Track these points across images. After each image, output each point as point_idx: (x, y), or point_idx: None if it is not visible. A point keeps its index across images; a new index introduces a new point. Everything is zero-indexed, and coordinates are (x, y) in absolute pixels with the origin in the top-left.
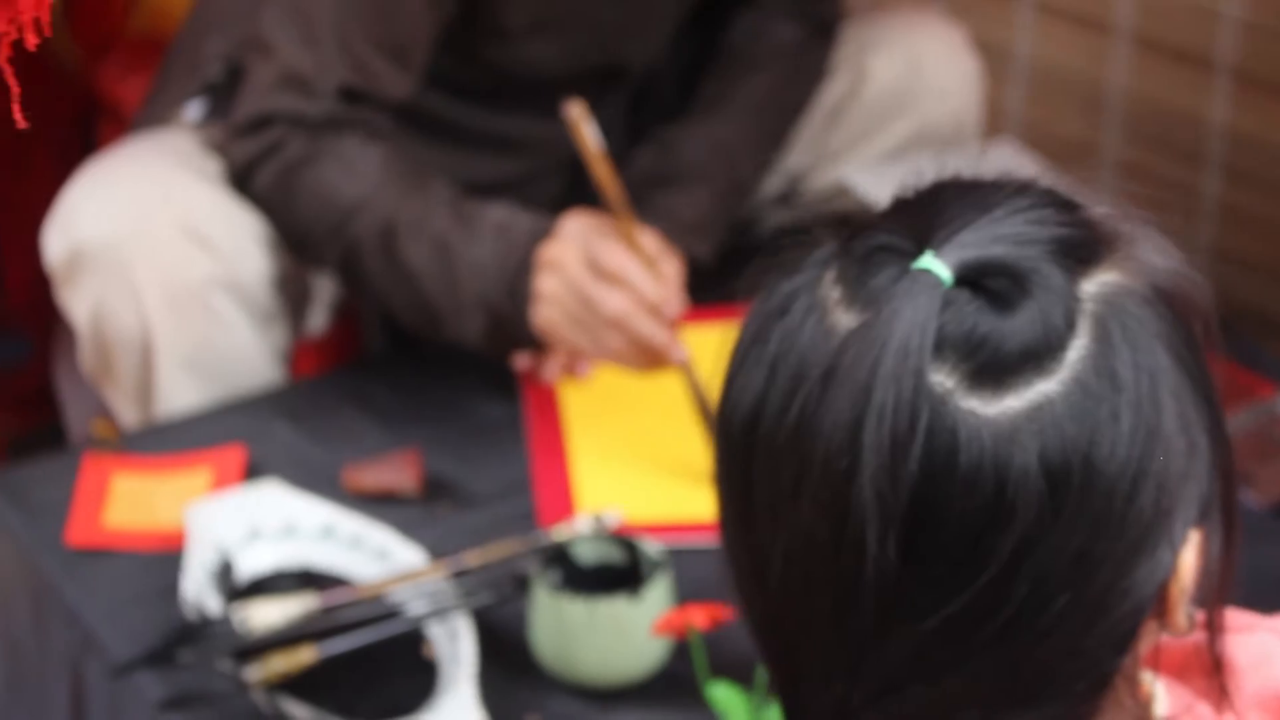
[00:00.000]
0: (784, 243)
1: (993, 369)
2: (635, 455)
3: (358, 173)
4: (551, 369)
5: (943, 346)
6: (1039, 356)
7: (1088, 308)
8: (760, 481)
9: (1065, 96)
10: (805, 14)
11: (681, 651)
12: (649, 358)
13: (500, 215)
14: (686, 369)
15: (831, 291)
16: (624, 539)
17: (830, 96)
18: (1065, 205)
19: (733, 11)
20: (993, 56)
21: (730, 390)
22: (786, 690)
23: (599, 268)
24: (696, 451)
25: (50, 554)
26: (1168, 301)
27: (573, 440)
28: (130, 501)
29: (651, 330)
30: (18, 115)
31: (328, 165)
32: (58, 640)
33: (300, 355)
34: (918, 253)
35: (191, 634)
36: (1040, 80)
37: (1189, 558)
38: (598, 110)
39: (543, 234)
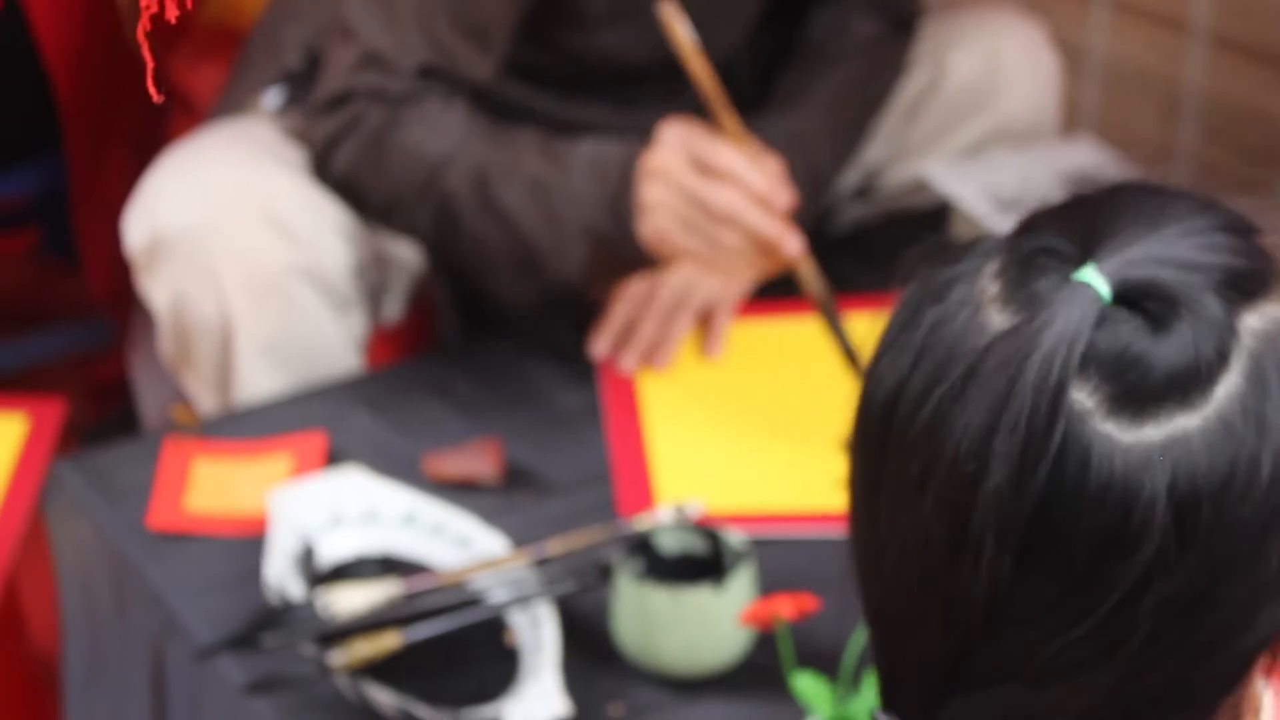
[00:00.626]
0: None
1: (1136, 394)
2: (714, 445)
3: (443, 129)
4: (629, 359)
5: (1089, 364)
6: (1185, 388)
7: (1245, 344)
8: (890, 468)
9: (1141, 95)
10: (885, 9)
11: (764, 642)
12: (763, 253)
13: (589, 147)
14: (801, 260)
15: (990, 286)
16: (707, 529)
17: (909, 91)
18: (1240, 231)
19: (813, 5)
20: (1069, 54)
21: (875, 369)
22: (885, 673)
23: (706, 166)
24: (777, 443)
25: (131, 537)
26: None
27: (651, 430)
28: (211, 486)
29: (765, 223)
30: (152, 90)
31: (413, 127)
32: (139, 624)
33: (376, 344)
34: (1082, 261)
35: (274, 618)
36: (1116, 78)
37: None
38: (676, 103)
39: (632, 154)
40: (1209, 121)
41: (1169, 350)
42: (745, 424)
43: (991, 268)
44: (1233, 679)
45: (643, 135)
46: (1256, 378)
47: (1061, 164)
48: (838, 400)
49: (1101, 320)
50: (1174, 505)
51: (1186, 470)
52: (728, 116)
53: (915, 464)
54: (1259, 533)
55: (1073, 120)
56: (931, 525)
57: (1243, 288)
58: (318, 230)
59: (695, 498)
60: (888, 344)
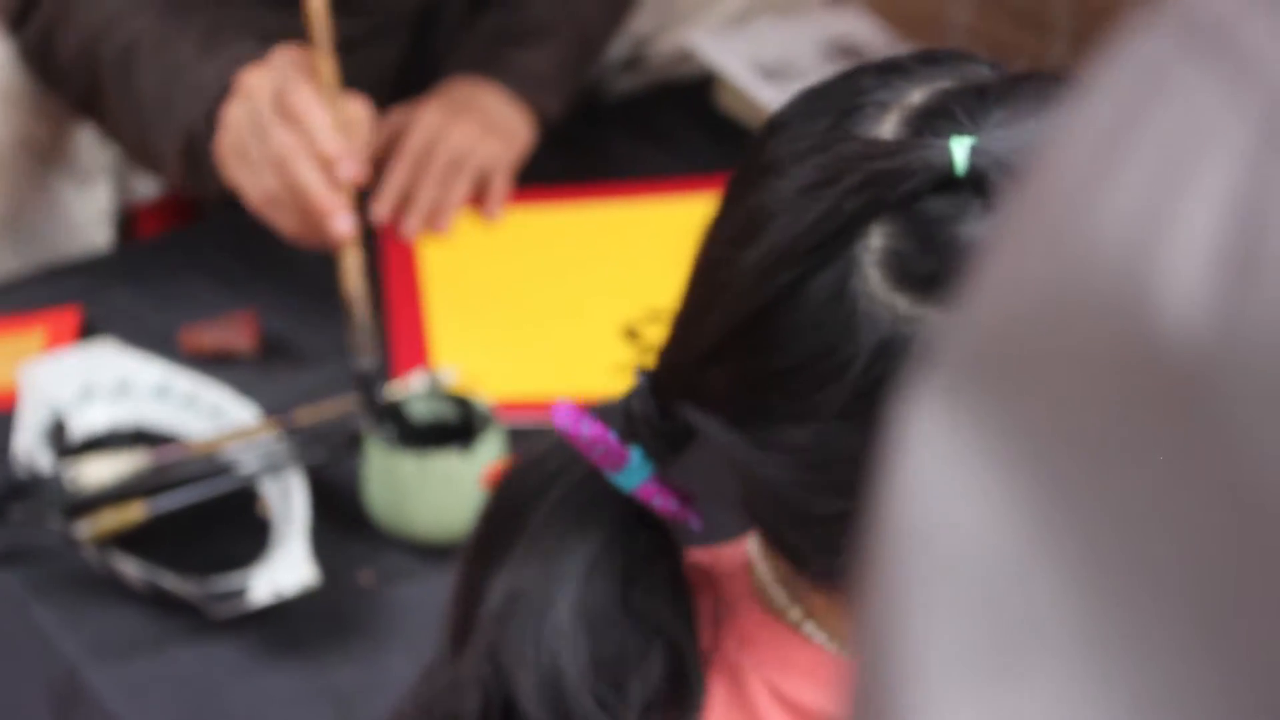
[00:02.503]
0: None
1: (912, 266)
2: (491, 320)
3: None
4: (411, 223)
5: (901, 213)
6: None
7: None
8: (736, 182)
9: None
10: None
11: None
12: (307, 217)
13: (247, 46)
14: (348, 247)
15: (909, 99)
16: (458, 397)
17: None
18: None
19: None
20: None
21: (789, 101)
22: (663, 350)
23: (282, 102)
24: (553, 325)
25: None
26: None
27: (430, 297)
28: None
29: (313, 181)
30: None
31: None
32: None
33: (140, 217)
34: (971, 132)
35: (21, 491)
36: None
37: None
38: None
39: (255, 58)
40: None
41: (966, 241)
42: (522, 303)
43: (924, 90)
44: None
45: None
46: None
47: (827, 33)
48: (614, 288)
49: (945, 187)
50: (871, 371)
51: (900, 348)
52: (325, 60)
53: (749, 180)
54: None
55: None
56: (727, 236)
57: None
58: (50, 99)
59: (467, 366)
60: (808, 88)
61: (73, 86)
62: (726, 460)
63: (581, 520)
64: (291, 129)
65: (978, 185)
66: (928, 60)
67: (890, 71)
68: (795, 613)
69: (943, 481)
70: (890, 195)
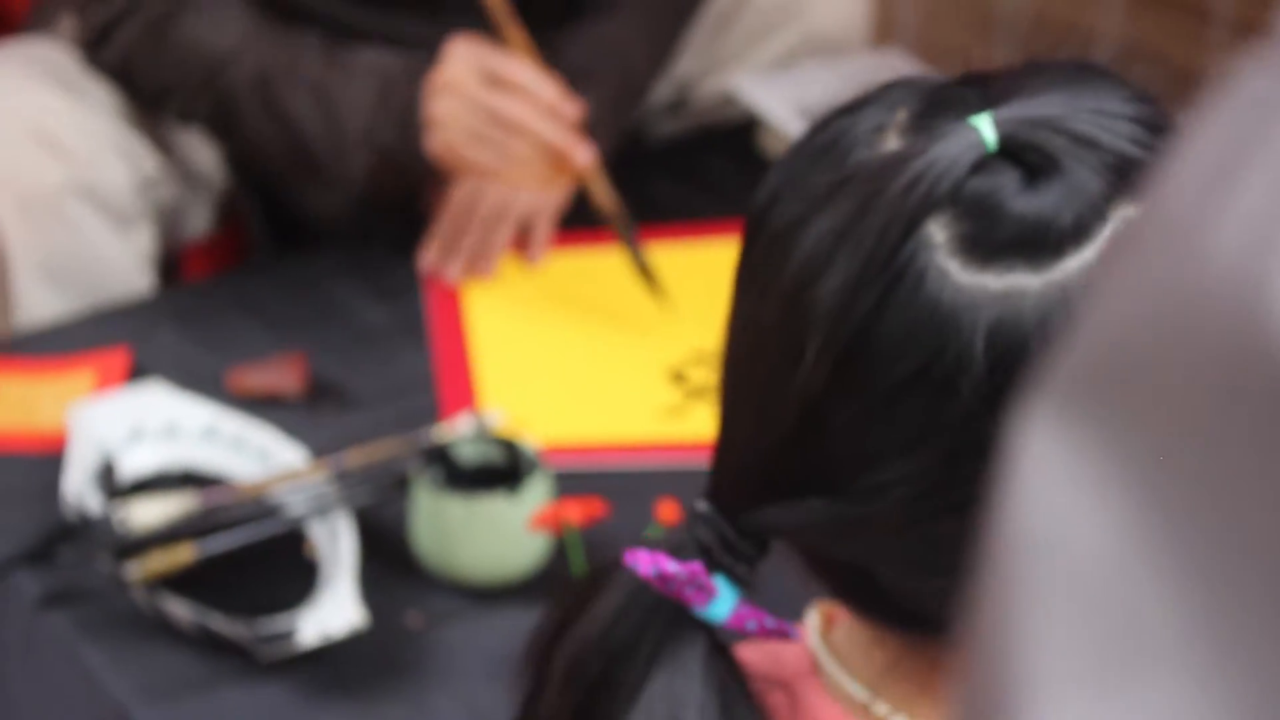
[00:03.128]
0: None
1: (986, 240)
2: (536, 364)
3: (225, 24)
4: (453, 268)
5: (954, 202)
6: (1035, 248)
7: (1113, 228)
8: (754, 253)
9: (955, 8)
10: None
11: (564, 551)
12: (554, 163)
13: (369, 57)
14: (592, 172)
15: (900, 115)
16: (504, 439)
17: (720, 2)
18: (1153, 128)
19: None
20: None
21: (774, 168)
22: (715, 465)
23: (496, 79)
24: (596, 369)
25: None
26: None
27: (476, 342)
28: (11, 403)
29: (554, 132)
30: None
31: (194, 19)
32: None
33: (187, 259)
34: (983, 109)
35: (71, 533)
36: None
37: None
38: (482, 16)
39: (418, 69)
40: (1023, 35)
41: (1030, 207)
42: (567, 346)
43: (909, 102)
44: None
45: (423, 45)
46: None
47: (870, 76)
48: (658, 331)
49: (981, 165)
50: (990, 356)
51: (1011, 325)
52: (514, 30)
53: (775, 253)
54: None
55: (887, 34)
56: (769, 318)
57: (1130, 179)
58: (92, 148)
59: (502, 409)
60: (792, 150)
61: (184, 105)
62: (814, 541)
63: (685, 670)
64: (515, 96)
65: (1009, 152)
66: (886, 88)
67: (860, 107)
68: (882, 707)
69: (1060, 494)
70: (939, 189)
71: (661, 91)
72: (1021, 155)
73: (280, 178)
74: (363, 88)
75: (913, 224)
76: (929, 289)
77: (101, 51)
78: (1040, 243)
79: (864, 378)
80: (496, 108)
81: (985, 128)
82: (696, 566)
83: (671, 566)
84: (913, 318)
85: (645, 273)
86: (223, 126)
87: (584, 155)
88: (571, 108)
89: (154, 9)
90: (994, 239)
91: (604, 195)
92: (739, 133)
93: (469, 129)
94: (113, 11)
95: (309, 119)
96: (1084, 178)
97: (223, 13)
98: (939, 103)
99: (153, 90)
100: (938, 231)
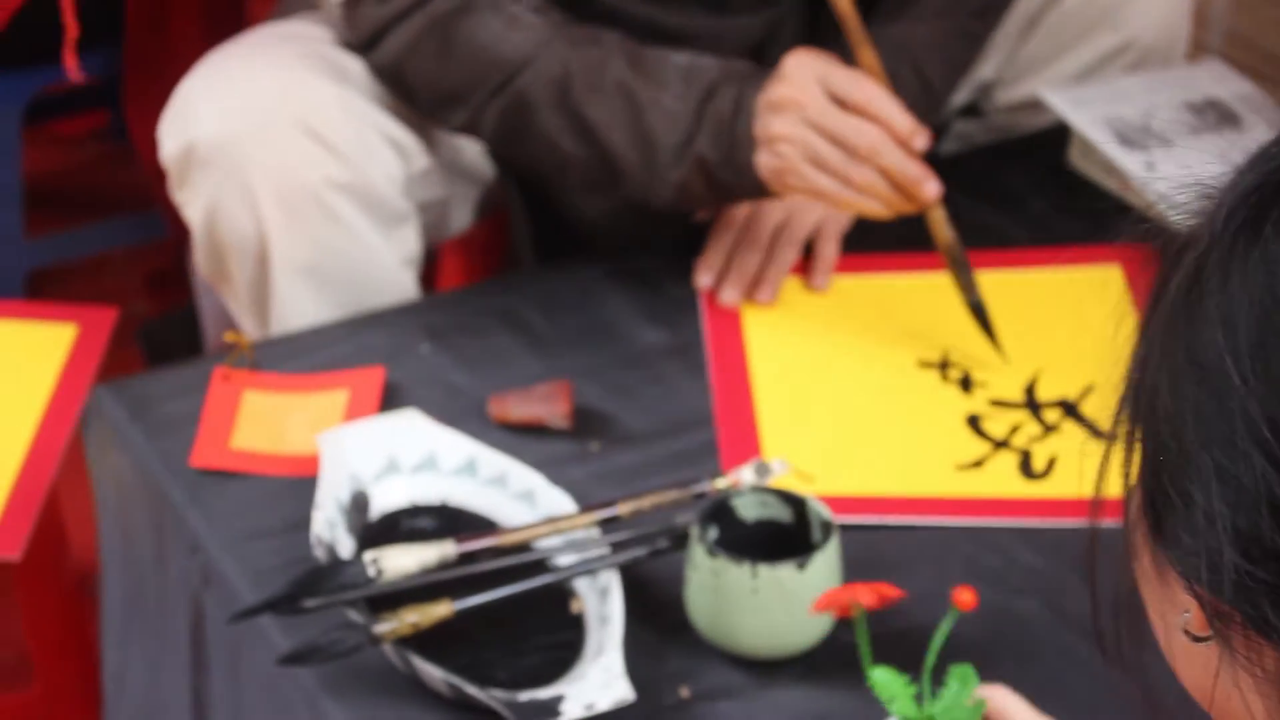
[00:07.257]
0: None
1: None
2: (823, 403)
3: (522, 25)
4: (731, 292)
5: None
6: None
7: None
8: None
9: (1272, 6)
10: None
11: (847, 621)
12: (900, 194)
13: (681, 61)
14: (934, 206)
15: None
16: (792, 495)
17: (1028, 3)
18: None
19: None
20: None
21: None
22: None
23: (845, 100)
24: (885, 413)
25: (173, 476)
26: None
27: (755, 376)
28: (260, 422)
29: (905, 163)
30: None
31: (487, 19)
32: (179, 570)
33: (445, 256)
34: None
35: (320, 578)
36: None
37: None
38: (766, 11)
39: (735, 75)
40: None
41: None
42: (853, 385)
43: None
44: None
45: (730, 45)
46: None
47: (1187, 90)
48: (955, 360)
49: None
50: None
51: None
52: (866, 50)
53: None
54: None
55: (1200, 44)
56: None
57: None
58: (362, 141)
59: (796, 454)
60: (1198, 191)
61: (470, 109)
62: None
63: None
64: (867, 122)
65: None
66: None
67: None
68: None
69: None
70: None
71: (959, 94)
72: None
73: (567, 184)
74: (672, 97)
75: None
76: None
77: (379, 47)
78: None
79: None
80: (843, 132)
81: None
82: None
83: None
84: None
85: (980, 315)
86: (513, 135)
87: (933, 189)
88: (923, 138)
89: (438, 7)
90: None
91: (942, 229)
92: (1039, 143)
93: (810, 152)
94: (390, 11)
95: (616, 130)
96: None
97: (518, 14)
98: None
99: (435, 96)
100: None
